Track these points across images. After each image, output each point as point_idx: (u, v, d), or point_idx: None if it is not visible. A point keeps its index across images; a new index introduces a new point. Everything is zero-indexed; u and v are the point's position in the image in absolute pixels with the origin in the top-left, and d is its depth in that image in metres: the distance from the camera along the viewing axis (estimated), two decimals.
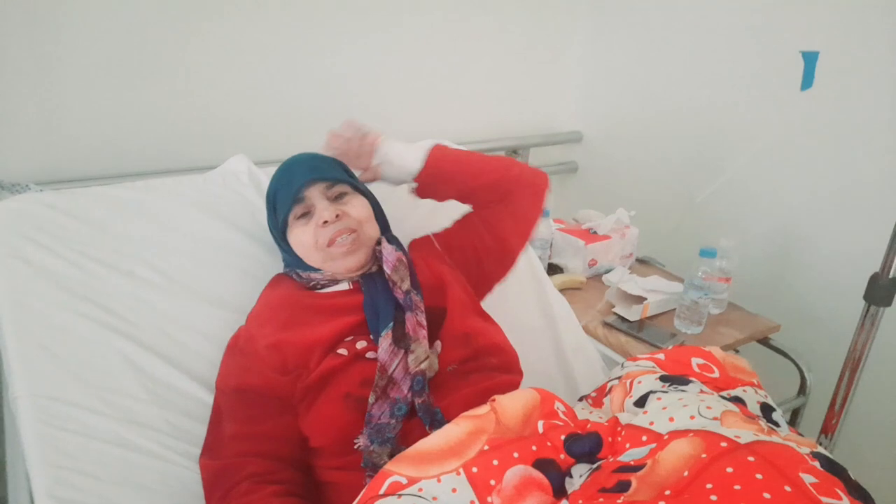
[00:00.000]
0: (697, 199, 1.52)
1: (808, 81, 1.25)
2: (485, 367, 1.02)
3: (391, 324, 0.99)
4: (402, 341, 0.98)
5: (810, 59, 1.22)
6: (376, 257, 1.11)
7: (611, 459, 0.80)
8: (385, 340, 0.97)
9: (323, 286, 1.11)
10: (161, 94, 1.47)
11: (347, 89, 1.73)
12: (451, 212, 1.31)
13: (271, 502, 0.87)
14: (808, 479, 0.68)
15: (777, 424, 0.92)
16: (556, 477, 0.79)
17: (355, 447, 0.91)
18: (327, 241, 1.07)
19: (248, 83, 1.58)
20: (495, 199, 1.20)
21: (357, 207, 1.12)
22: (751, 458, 0.69)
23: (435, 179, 1.19)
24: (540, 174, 1.24)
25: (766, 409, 0.95)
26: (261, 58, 1.58)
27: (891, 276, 1.24)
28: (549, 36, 2.09)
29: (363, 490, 0.81)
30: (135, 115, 1.45)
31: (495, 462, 0.78)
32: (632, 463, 0.75)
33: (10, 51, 1.29)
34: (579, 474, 0.79)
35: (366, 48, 1.72)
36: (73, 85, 1.37)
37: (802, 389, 1.51)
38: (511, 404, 0.86)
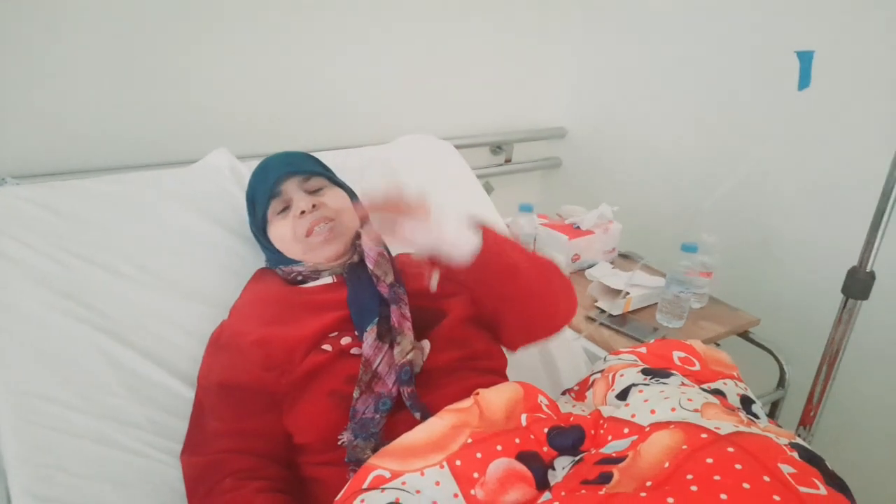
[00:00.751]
0: (705, 205, 1.53)
1: (805, 81, 1.25)
2: (473, 367, 1.02)
3: (376, 319, 0.99)
4: (386, 335, 0.98)
5: (805, 58, 1.23)
6: (356, 248, 1.11)
7: (593, 452, 0.80)
8: (370, 336, 0.97)
9: (306, 279, 1.10)
10: (142, 87, 1.45)
11: (332, 84, 1.72)
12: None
13: (255, 499, 0.87)
14: (787, 469, 0.69)
15: (756, 416, 0.93)
16: (539, 469, 0.79)
17: (339, 443, 0.91)
18: (305, 231, 1.07)
19: (232, 77, 1.56)
20: (520, 327, 1.07)
21: (334, 198, 1.13)
22: (730, 449, 0.70)
23: (472, 280, 1.00)
24: (573, 311, 1.10)
25: (746, 402, 0.96)
26: (245, 52, 1.56)
27: (868, 269, 1.26)
28: (534, 32, 2.09)
29: (347, 484, 0.81)
30: (115, 107, 1.43)
31: (478, 455, 0.78)
32: (614, 455, 0.76)
33: None
34: (562, 466, 0.80)
35: (351, 43, 1.71)
36: (53, 77, 1.34)
37: (781, 382, 1.53)
38: (494, 398, 0.87)
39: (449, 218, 0.91)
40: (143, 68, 1.44)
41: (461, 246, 0.92)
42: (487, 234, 0.95)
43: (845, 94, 1.53)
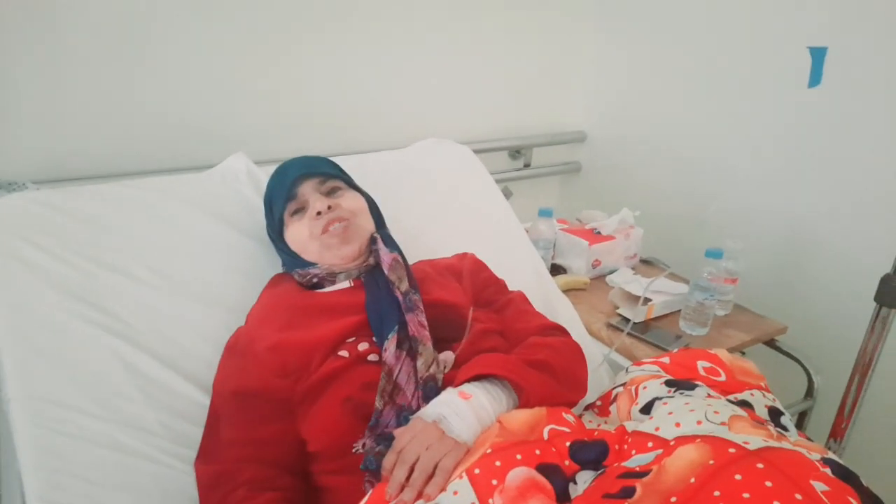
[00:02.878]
0: (710, 210, 1.49)
1: (815, 78, 1.23)
2: None
3: (396, 327, 0.98)
4: (404, 343, 0.97)
5: (818, 54, 1.20)
6: (372, 252, 1.10)
7: (616, 465, 0.78)
8: (391, 344, 0.95)
9: (322, 283, 1.09)
10: (161, 93, 1.45)
11: (350, 88, 1.72)
12: (475, 237, 1.34)
13: None
14: (820, 486, 0.66)
15: (786, 429, 0.90)
16: (560, 483, 0.77)
17: (354, 451, 0.90)
18: (321, 230, 1.07)
19: (249, 82, 1.56)
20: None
21: (350, 200, 1.13)
22: (760, 465, 0.68)
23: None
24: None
25: (775, 414, 0.93)
26: (262, 56, 1.56)
27: None
28: (554, 36, 2.07)
29: (367, 496, 0.79)
30: (134, 113, 1.43)
31: (497, 463, 0.76)
32: (637, 469, 0.73)
33: (8, 48, 1.27)
34: (584, 481, 0.78)
35: (369, 46, 1.71)
36: (72, 82, 1.35)
37: (810, 392, 1.49)
38: (516, 415, 0.85)
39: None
40: (160, 76, 1.44)
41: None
42: (523, 391, 0.90)
43: (877, 97, 1.49)
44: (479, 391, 0.88)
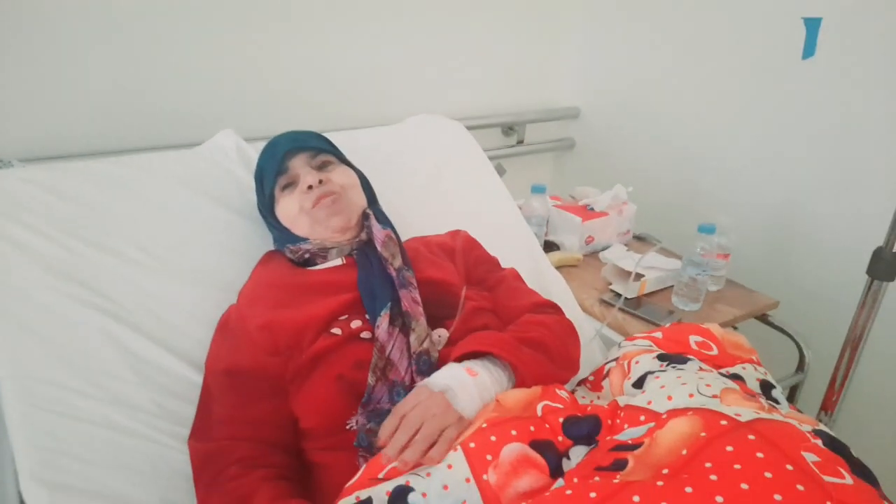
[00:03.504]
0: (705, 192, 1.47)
1: (809, 49, 1.21)
2: None
3: (389, 303, 0.97)
4: (398, 320, 0.96)
5: (812, 25, 1.18)
6: (365, 227, 1.09)
7: (608, 439, 0.78)
8: (384, 320, 0.95)
9: (314, 258, 1.09)
10: (147, 70, 1.43)
11: (340, 65, 1.69)
12: (468, 214, 1.34)
13: (260, 486, 0.85)
14: (811, 457, 0.67)
15: (777, 402, 0.91)
16: (553, 458, 0.77)
17: (348, 427, 0.90)
18: (311, 203, 1.06)
19: (237, 59, 1.54)
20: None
21: (340, 175, 1.12)
22: (751, 437, 0.68)
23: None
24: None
25: (766, 387, 0.93)
26: (251, 33, 1.53)
27: (895, 249, 1.21)
28: (546, 11, 2.04)
29: (361, 470, 0.80)
30: (122, 90, 1.41)
31: (493, 438, 0.77)
32: (629, 442, 0.74)
33: None
34: (577, 455, 0.78)
35: (360, 24, 1.68)
36: (60, 58, 1.33)
37: (801, 366, 1.50)
38: (513, 393, 0.86)
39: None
40: (149, 52, 1.42)
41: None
42: (519, 372, 0.90)
43: (870, 71, 1.48)
44: (482, 370, 0.88)
